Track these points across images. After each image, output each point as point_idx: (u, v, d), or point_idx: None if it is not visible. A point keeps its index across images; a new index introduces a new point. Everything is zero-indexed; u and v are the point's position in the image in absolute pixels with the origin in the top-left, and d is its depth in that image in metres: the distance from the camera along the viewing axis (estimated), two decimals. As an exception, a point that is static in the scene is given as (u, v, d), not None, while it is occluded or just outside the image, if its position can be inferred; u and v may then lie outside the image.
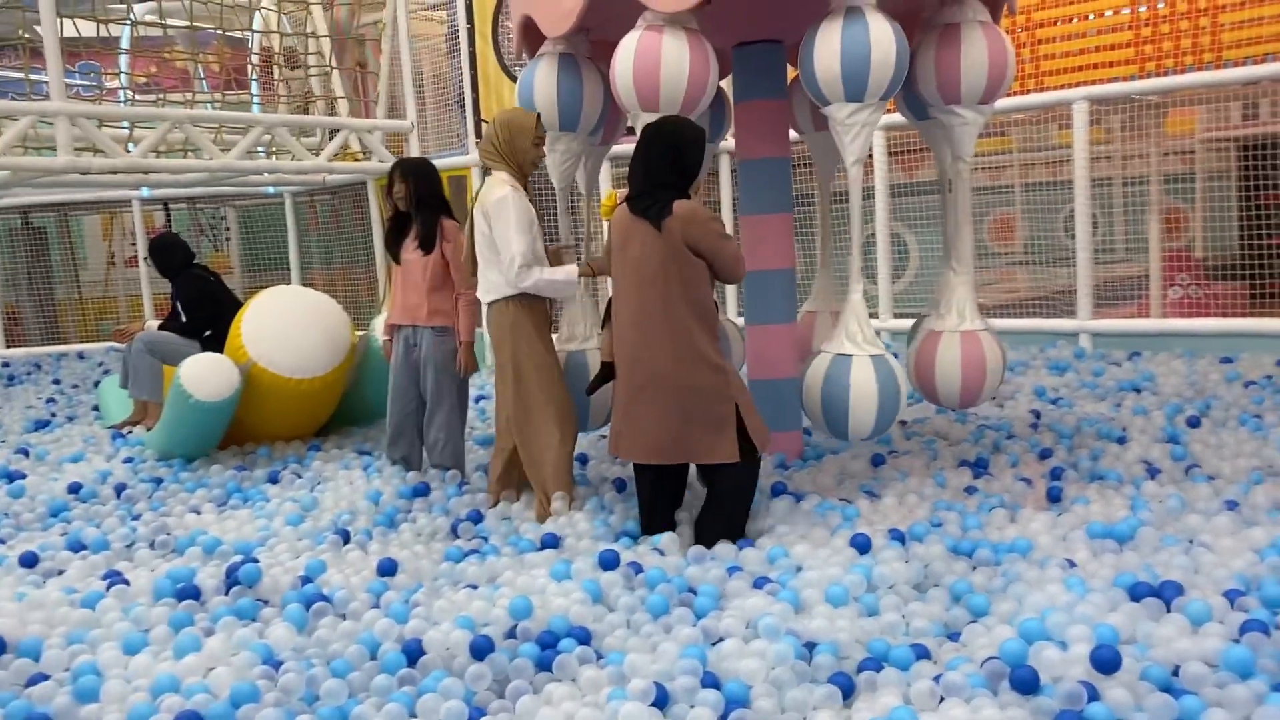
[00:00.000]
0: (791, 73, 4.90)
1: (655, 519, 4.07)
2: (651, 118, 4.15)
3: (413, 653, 3.14)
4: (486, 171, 4.56)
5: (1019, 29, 7.44)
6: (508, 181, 4.33)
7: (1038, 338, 7.55)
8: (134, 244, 11.69)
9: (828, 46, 4.02)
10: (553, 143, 4.86)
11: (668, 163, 3.86)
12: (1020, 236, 9.74)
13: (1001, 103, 7.45)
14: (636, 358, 3.91)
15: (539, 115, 4.46)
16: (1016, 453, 4.96)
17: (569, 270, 4.37)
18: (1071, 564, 3.46)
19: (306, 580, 3.75)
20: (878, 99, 4.08)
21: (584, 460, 5.49)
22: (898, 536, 3.79)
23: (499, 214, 4.25)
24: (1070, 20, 7.27)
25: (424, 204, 5.11)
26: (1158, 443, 5.01)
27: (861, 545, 3.68)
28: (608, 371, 4.23)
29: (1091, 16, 7.18)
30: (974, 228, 4.77)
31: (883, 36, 3.97)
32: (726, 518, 3.96)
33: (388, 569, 3.85)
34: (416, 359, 5.12)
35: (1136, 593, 3.16)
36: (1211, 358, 6.72)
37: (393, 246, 5.19)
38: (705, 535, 3.92)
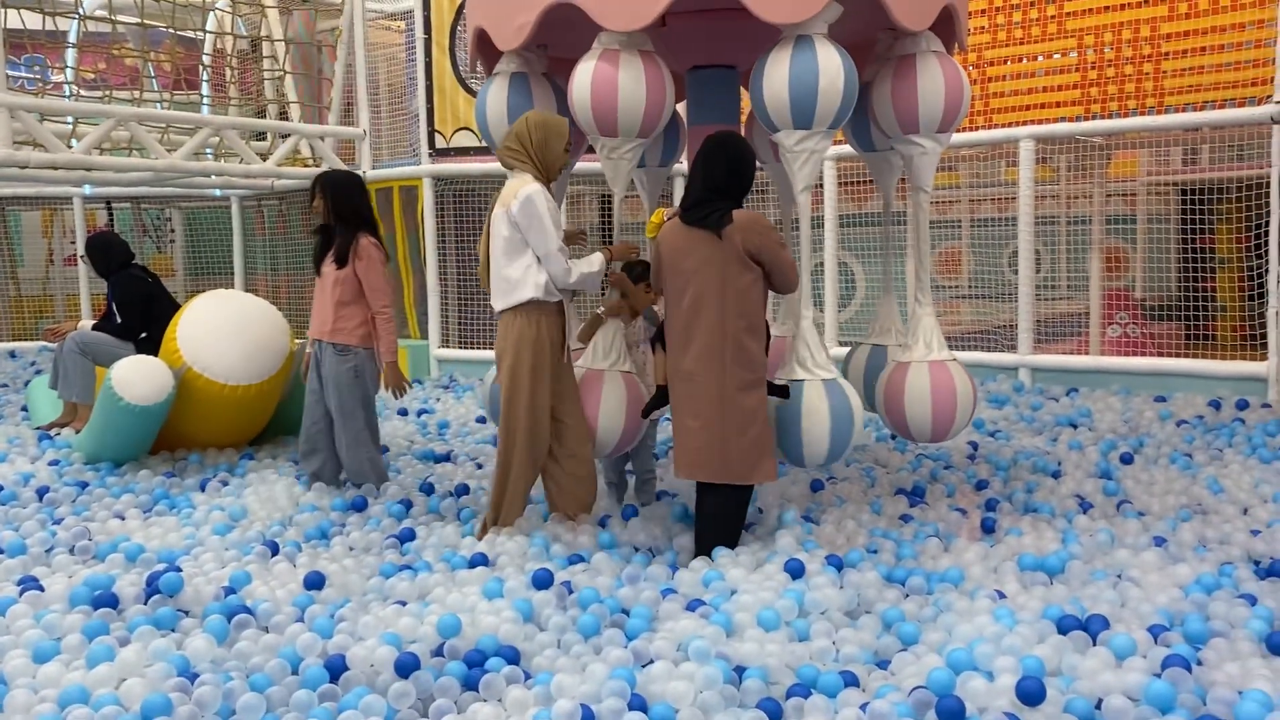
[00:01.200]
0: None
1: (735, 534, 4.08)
2: (613, 141, 4.20)
3: (336, 668, 3.07)
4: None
5: (970, 66, 7.57)
6: (533, 180, 4.11)
7: (979, 371, 7.64)
8: (74, 242, 11.44)
9: (777, 74, 4.04)
10: None
11: (727, 173, 3.92)
12: (965, 270, 9.88)
13: (953, 137, 7.57)
14: (690, 373, 3.93)
15: (570, 120, 4.29)
16: (953, 483, 5.01)
17: (596, 258, 4.22)
18: (1001, 595, 3.49)
19: (230, 591, 3.65)
20: (825, 127, 4.11)
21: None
22: (834, 563, 3.79)
23: (529, 211, 4.01)
24: (1020, 60, 7.42)
25: (341, 219, 5.02)
26: (1091, 477, 5.08)
27: (795, 570, 3.67)
28: (662, 396, 4.23)
29: (1040, 58, 7.33)
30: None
31: (831, 65, 4.00)
32: (726, 533, 4.02)
33: (315, 582, 3.77)
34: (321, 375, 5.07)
35: (1063, 625, 3.19)
36: (1146, 396, 6.85)
37: (316, 260, 5.10)
38: (703, 546, 3.99)
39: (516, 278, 4.10)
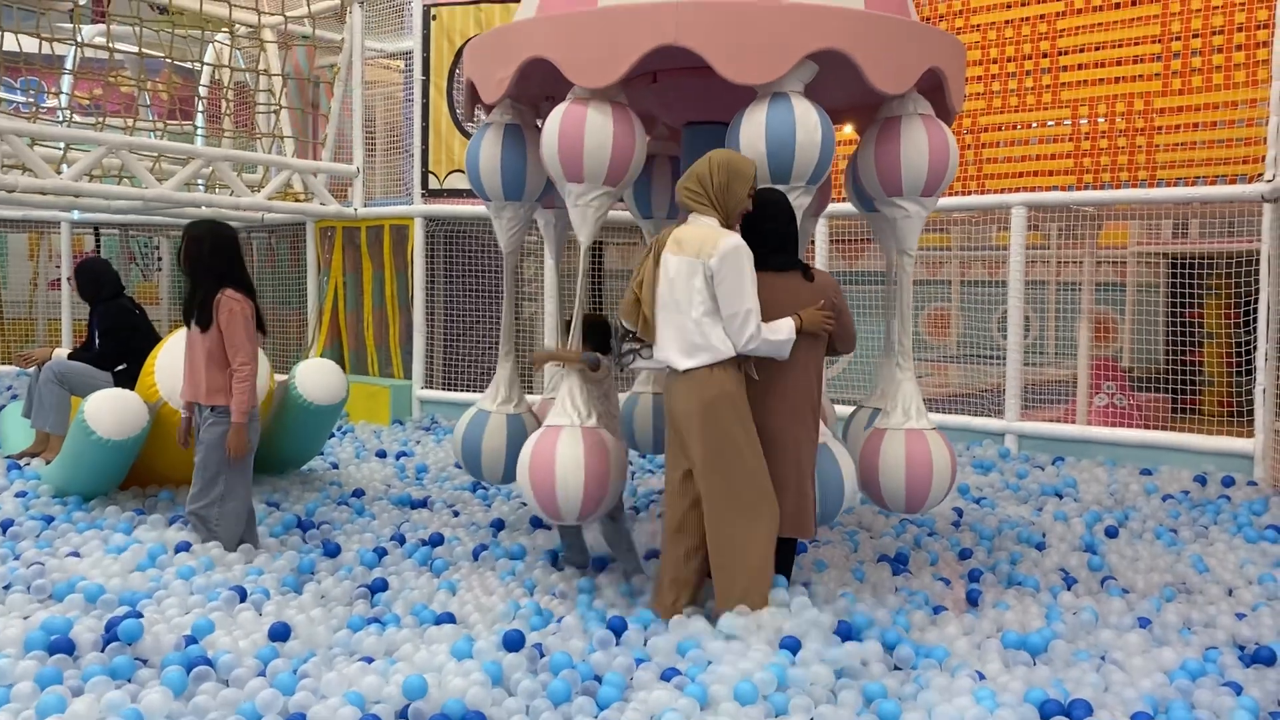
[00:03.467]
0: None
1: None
2: (579, 188, 4.20)
3: (295, 728, 2.97)
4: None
5: (964, 131, 7.61)
6: (722, 227, 3.88)
7: (965, 435, 7.60)
8: (59, 266, 11.34)
9: (752, 129, 4.03)
10: (499, 210, 4.83)
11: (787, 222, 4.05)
12: (954, 332, 9.89)
13: (943, 201, 7.59)
14: (784, 427, 3.95)
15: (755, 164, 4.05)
16: (937, 550, 4.94)
17: (787, 324, 3.85)
18: (981, 676, 3.41)
19: (191, 640, 3.54)
20: (804, 182, 4.08)
21: (500, 525, 5.36)
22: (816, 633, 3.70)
23: (732, 265, 3.72)
24: (1014, 127, 7.46)
25: (196, 276, 4.67)
26: (1076, 551, 5.02)
27: (792, 645, 3.53)
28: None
29: (1035, 125, 7.37)
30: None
31: (807, 120, 3.99)
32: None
33: (280, 633, 3.67)
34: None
35: (1046, 710, 3.12)
36: (1132, 467, 6.81)
37: (185, 316, 4.74)
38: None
39: (713, 332, 3.79)
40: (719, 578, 3.83)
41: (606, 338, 4.54)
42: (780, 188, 4.08)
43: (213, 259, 4.66)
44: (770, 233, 4.00)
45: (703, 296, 3.77)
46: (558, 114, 4.17)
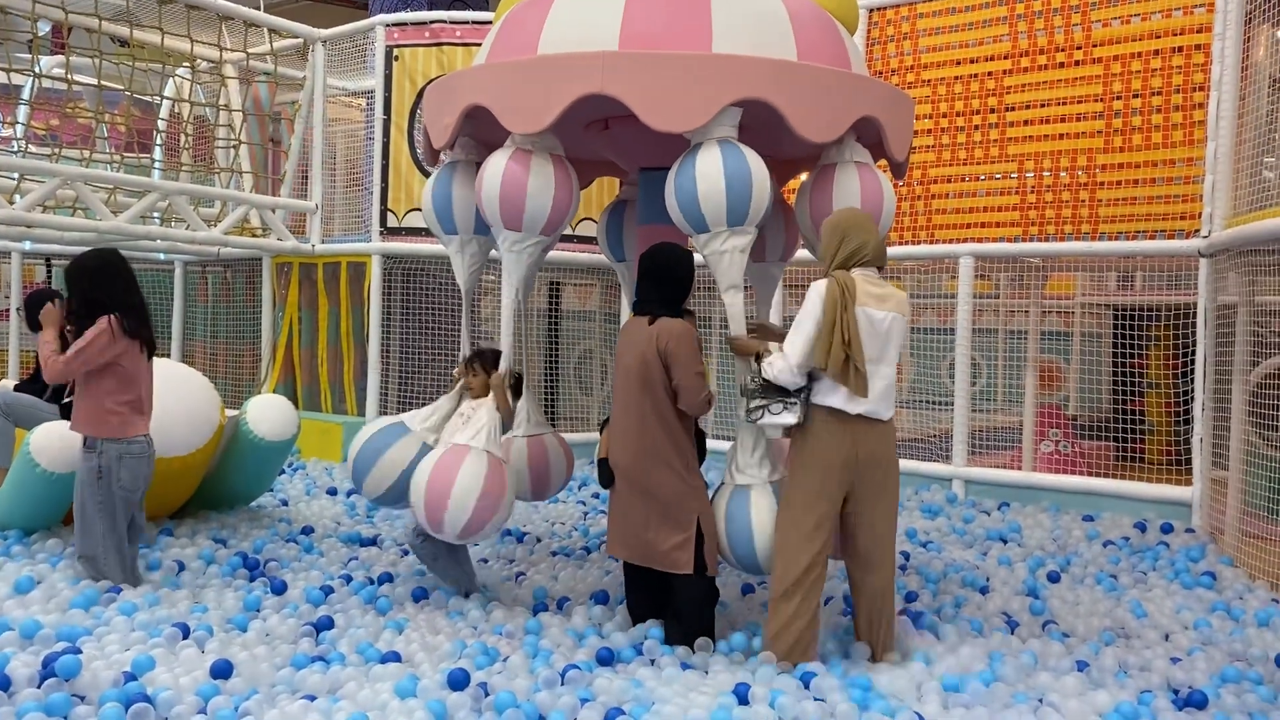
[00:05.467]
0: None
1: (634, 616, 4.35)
2: (515, 236, 4.37)
3: (234, 766, 2.94)
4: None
5: (915, 182, 7.79)
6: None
7: (913, 479, 7.71)
8: (8, 296, 11.19)
9: (689, 175, 4.10)
10: (461, 246, 4.88)
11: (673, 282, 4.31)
12: (905, 377, 10.03)
13: (894, 251, 7.75)
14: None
15: None
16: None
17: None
18: (920, 717, 3.45)
19: (131, 677, 3.50)
20: (742, 225, 4.12)
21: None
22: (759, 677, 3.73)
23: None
24: (963, 179, 7.65)
25: (76, 313, 4.59)
26: (1018, 595, 5.10)
27: (741, 694, 3.55)
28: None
29: (983, 178, 7.56)
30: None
31: (737, 165, 4.05)
32: (683, 632, 4.11)
33: (222, 671, 3.63)
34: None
35: (983, 751, 3.16)
36: (1075, 514, 6.93)
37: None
38: (670, 638, 4.14)
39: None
40: (885, 625, 4.10)
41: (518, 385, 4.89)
42: (719, 233, 4.15)
43: (87, 297, 4.57)
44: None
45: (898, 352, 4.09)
46: (499, 164, 4.30)
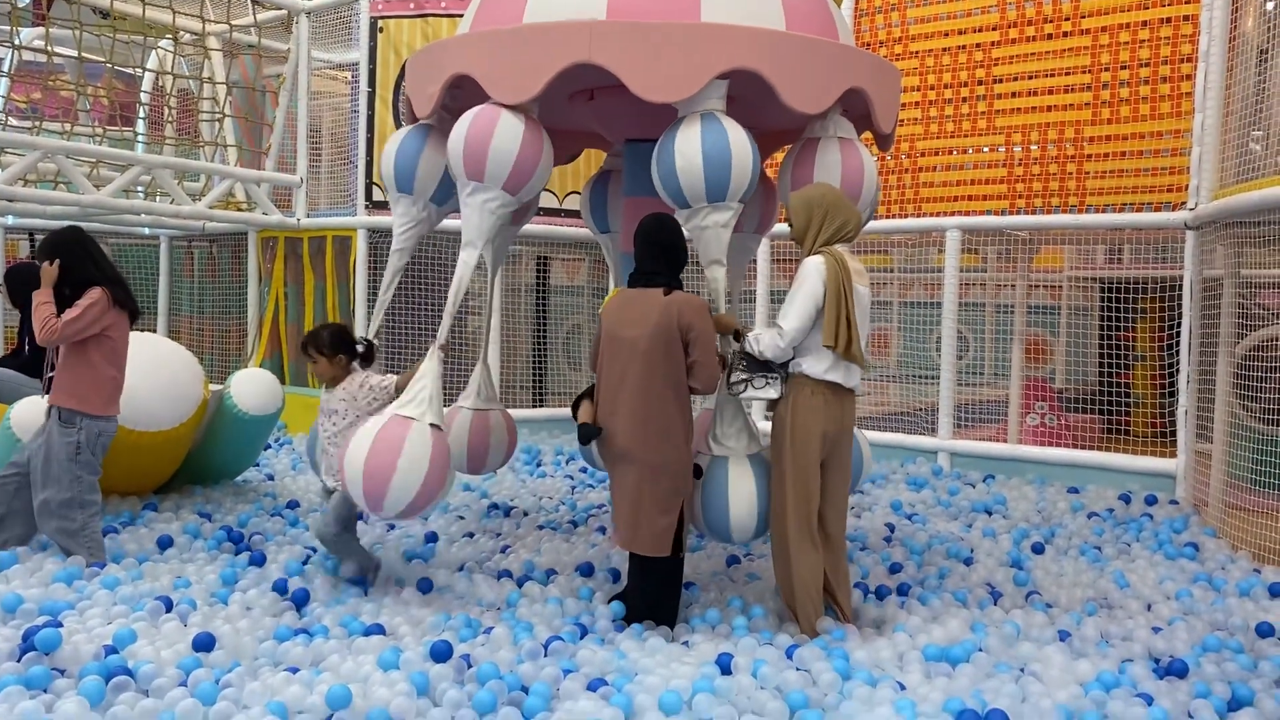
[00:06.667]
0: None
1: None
2: (476, 186, 4.23)
3: (215, 738, 2.94)
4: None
5: (902, 155, 7.76)
6: None
7: (898, 452, 7.72)
8: (-9, 272, 11.09)
9: (667, 149, 4.09)
10: (408, 207, 4.79)
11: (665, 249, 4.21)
12: (893, 351, 10.04)
13: (881, 224, 7.73)
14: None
15: None
16: (868, 565, 5.01)
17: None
18: (902, 686, 3.47)
19: (111, 650, 3.49)
20: (732, 200, 4.12)
21: (434, 538, 5.34)
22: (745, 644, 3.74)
23: None
24: (950, 152, 7.62)
25: (70, 278, 4.57)
26: (1003, 566, 5.12)
27: (724, 664, 3.57)
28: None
29: (970, 151, 7.54)
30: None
31: (734, 137, 4.03)
32: (648, 608, 4.08)
33: (204, 644, 3.62)
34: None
35: (962, 719, 3.17)
36: (1060, 486, 6.95)
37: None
38: (631, 613, 4.10)
39: None
40: (846, 586, 4.22)
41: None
42: (702, 208, 4.14)
43: (72, 266, 4.57)
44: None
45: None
46: (470, 114, 4.24)
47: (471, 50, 4.35)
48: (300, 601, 4.21)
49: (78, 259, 4.60)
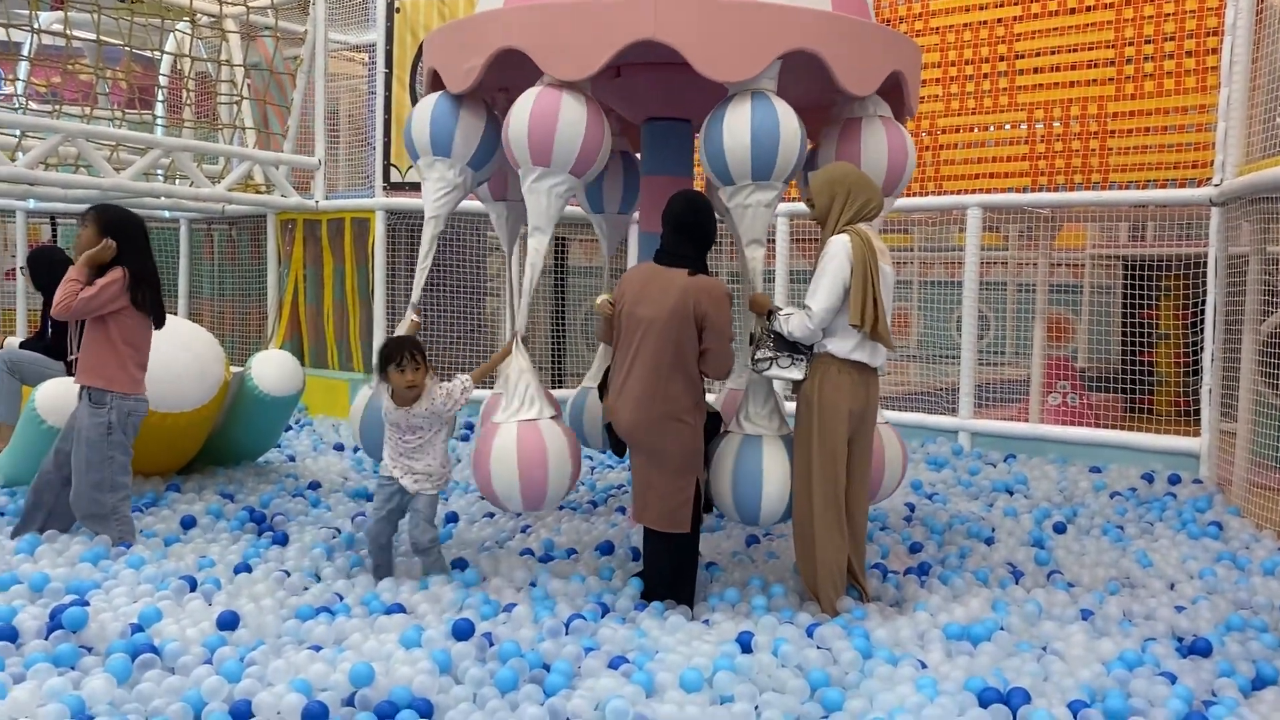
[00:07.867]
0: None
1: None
2: (542, 171, 4.18)
3: (241, 715, 2.98)
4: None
5: (923, 132, 7.70)
6: None
7: (919, 432, 7.69)
8: (14, 255, 11.18)
9: (737, 126, 4.04)
10: (444, 171, 4.69)
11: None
12: (914, 331, 9.99)
13: (902, 202, 7.66)
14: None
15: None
16: (888, 544, 5.00)
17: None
18: (923, 665, 3.46)
19: (137, 629, 3.52)
20: (783, 180, 4.11)
21: (454, 519, 5.37)
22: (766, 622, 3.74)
23: None
24: (971, 129, 7.55)
25: (116, 264, 4.53)
26: (1024, 545, 5.10)
27: (745, 642, 3.58)
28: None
29: (991, 128, 7.46)
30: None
31: (787, 119, 4.01)
32: (668, 586, 4.08)
33: (228, 622, 3.66)
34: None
35: (984, 698, 3.17)
36: (1082, 465, 6.91)
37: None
38: (647, 590, 4.11)
39: None
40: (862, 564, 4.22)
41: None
42: (747, 186, 4.12)
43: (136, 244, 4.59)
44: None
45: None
46: (529, 97, 4.14)
47: (525, 23, 4.20)
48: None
49: (137, 250, 4.57)
